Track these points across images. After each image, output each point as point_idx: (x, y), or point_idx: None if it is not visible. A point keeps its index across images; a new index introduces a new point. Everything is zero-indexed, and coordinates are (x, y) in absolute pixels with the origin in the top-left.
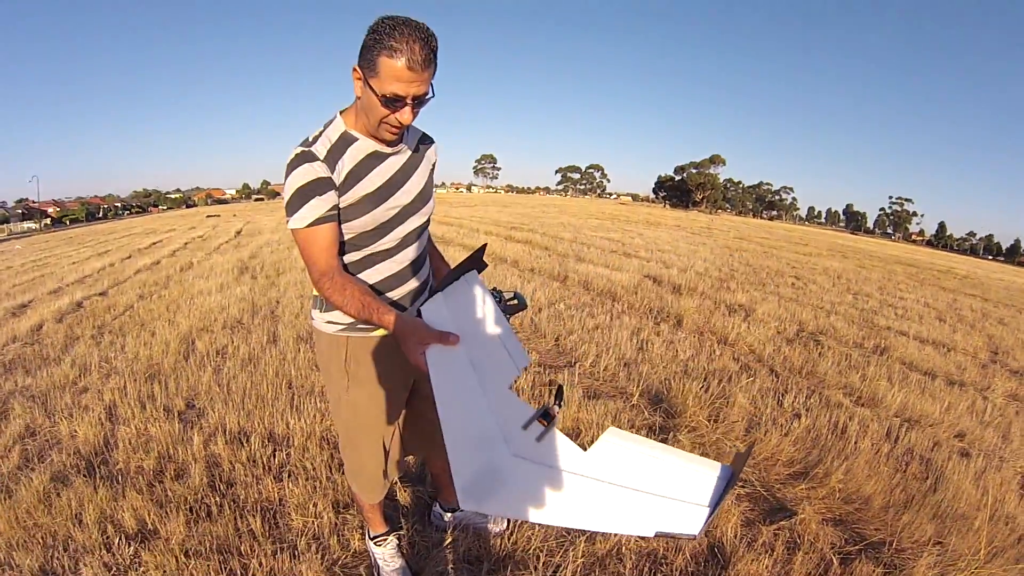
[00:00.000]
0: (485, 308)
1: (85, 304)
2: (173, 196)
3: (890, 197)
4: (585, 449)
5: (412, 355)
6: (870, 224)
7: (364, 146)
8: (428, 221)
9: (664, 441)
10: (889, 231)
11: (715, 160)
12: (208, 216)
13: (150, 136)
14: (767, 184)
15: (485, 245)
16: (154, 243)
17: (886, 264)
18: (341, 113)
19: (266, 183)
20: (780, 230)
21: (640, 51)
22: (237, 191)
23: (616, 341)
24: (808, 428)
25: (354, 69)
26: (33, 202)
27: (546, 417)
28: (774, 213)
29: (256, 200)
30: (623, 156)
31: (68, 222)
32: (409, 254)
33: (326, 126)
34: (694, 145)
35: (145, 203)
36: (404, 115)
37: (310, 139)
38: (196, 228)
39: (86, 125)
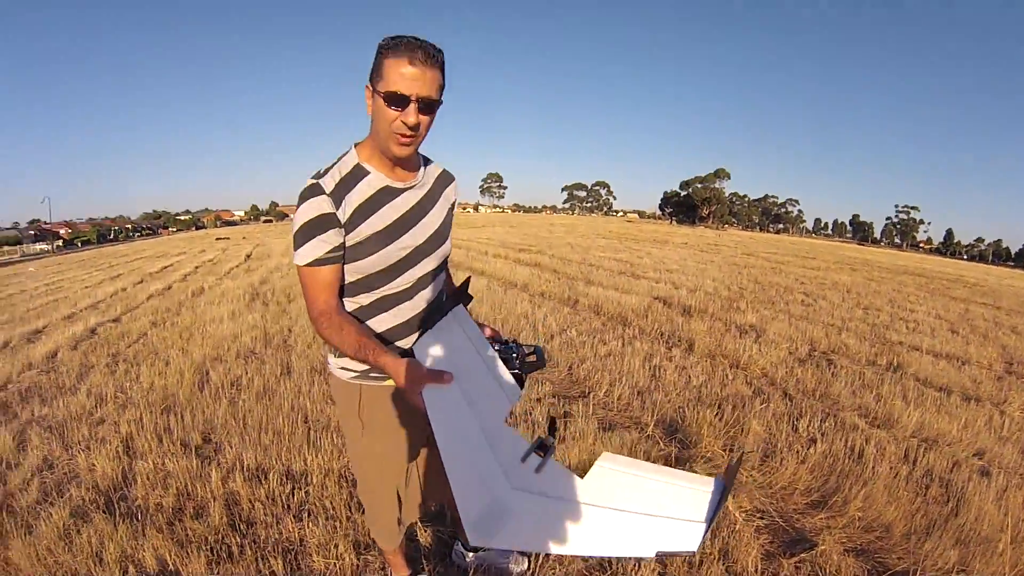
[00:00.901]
0: (473, 343)
1: (99, 331)
2: (183, 218)
3: (896, 205)
4: (582, 477)
5: (410, 396)
6: (877, 234)
7: (375, 181)
8: (445, 263)
9: None
10: (896, 240)
11: (720, 174)
12: (218, 239)
13: (159, 158)
14: (772, 197)
15: (469, 278)
16: (165, 267)
17: (895, 276)
18: (356, 146)
19: (274, 204)
20: (787, 244)
21: (643, 66)
22: (245, 212)
23: (629, 368)
24: (824, 453)
25: (366, 88)
26: (45, 223)
27: (542, 448)
28: (780, 226)
29: (265, 222)
30: (629, 172)
31: (80, 244)
32: (424, 298)
33: (340, 158)
34: (698, 159)
35: (155, 225)
36: (409, 115)
37: (322, 171)
38: (206, 251)
39: (96, 146)
